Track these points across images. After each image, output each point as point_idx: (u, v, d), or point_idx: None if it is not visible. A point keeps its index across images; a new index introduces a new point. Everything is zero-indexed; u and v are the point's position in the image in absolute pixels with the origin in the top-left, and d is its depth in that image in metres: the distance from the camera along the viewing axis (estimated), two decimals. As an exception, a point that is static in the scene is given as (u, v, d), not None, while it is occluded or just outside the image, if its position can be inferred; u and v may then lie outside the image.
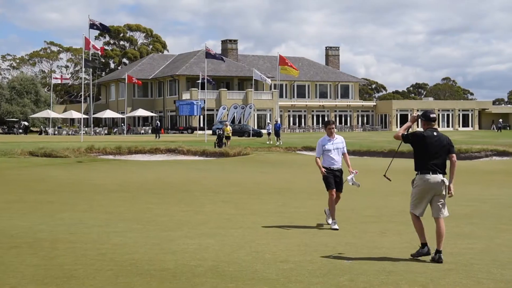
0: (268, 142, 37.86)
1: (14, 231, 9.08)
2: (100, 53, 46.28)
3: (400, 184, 17.32)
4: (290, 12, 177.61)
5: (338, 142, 9.87)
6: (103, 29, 46.14)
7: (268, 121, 46.22)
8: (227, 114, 60.98)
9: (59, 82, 66.66)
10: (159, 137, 47.57)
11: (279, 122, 40.86)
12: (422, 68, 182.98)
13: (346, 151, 10.03)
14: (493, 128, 72.93)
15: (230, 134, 34.85)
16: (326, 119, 74.16)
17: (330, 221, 9.71)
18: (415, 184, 7.49)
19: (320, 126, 73.03)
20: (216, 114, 62.86)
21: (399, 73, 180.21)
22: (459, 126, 78.26)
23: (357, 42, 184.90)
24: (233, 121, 60.44)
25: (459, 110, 79.24)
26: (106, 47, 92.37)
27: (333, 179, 9.75)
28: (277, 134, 38.84)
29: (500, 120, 72.21)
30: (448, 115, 78.78)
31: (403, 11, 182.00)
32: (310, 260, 7.20)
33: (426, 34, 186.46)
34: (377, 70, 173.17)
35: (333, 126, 9.92)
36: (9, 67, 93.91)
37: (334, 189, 9.77)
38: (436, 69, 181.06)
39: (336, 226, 9.52)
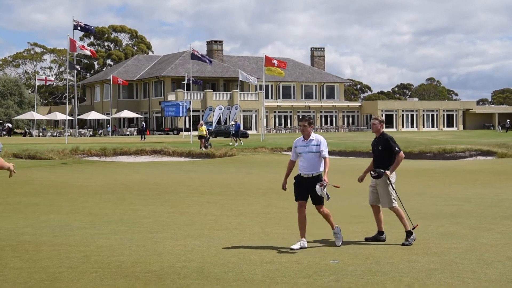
0: (230, 144, 37.40)
1: (-3, 234, 8.98)
2: (90, 55, 45.89)
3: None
4: (277, 13, 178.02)
5: (312, 145, 8.13)
6: (88, 30, 45.84)
7: (232, 122, 45.78)
8: (213, 115, 60.89)
9: (43, 83, 66.10)
10: (144, 138, 47.38)
11: (238, 122, 40.66)
12: (408, 69, 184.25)
13: (326, 155, 8.15)
14: (499, 129, 72.93)
15: (205, 134, 34.49)
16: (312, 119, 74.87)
17: (338, 242, 8.24)
18: (394, 180, 8.49)
19: (306, 127, 73.10)
20: (202, 115, 62.74)
21: (384, 73, 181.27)
22: (443, 126, 78.82)
23: (343, 43, 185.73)
24: (218, 122, 60.35)
25: (443, 111, 79.82)
26: (89, 49, 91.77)
27: (302, 189, 8.11)
28: (236, 134, 38.63)
29: (508, 120, 71.67)
30: (432, 115, 79.31)
31: (389, 12, 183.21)
32: (296, 261, 7.20)
33: (412, 34, 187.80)
34: (363, 71, 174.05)
35: (306, 123, 8.22)
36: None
37: (302, 201, 8.14)
38: (421, 70, 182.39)
39: (296, 246, 7.85)
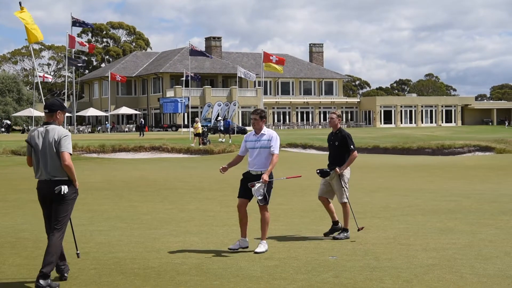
0: (220, 140, 37.31)
1: (-4, 231, 8.98)
2: (88, 51, 45.87)
3: (384, 180, 17.44)
4: (276, 9, 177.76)
5: (263, 140, 7.50)
6: (86, 26, 45.88)
7: (220, 118, 45.42)
8: (211, 112, 60.86)
9: (42, 80, 65.97)
10: (143, 135, 47.34)
11: (228, 119, 40.54)
12: (407, 65, 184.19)
13: (275, 152, 7.50)
14: (507, 124, 72.36)
15: (200, 131, 34.48)
16: (310, 115, 74.95)
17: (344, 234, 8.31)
18: (348, 177, 8.52)
19: (305, 123, 73.16)
20: (201, 112, 62.73)
21: (383, 69, 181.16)
22: (442, 122, 78.84)
23: (342, 39, 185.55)
24: (217, 118, 60.33)
25: (442, 106, 79.81)
26: (87, 45, 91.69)
27: (247, 187, 7.50)
28: (226, 131, 38.52)
29: None
30: (431, 111, 79.30)
31: (388, 7, 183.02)
32: (294, 257, 7.20)
33: (411, 30, 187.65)
34: (361, 67, 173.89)
35: (257, 117, 7.54)
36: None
37: (243, 199, 7.62)
38: (420, 65, 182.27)
39: (234, 246, 7.48)
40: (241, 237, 7.61)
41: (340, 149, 8.51)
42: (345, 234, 8.39)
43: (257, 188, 7.39)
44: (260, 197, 7.42)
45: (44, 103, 6.75)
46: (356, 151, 8.59)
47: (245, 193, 7.58)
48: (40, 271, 5.77)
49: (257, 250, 7.40)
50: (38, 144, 5.96)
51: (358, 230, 8.54)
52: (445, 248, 7.68)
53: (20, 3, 16.94)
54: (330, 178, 8.50)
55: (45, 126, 6.02)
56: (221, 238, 8.33)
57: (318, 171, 8.51)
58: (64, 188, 5.95)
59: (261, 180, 7.39)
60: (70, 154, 5.98)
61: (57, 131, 5.96)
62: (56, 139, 5.91)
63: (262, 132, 7.59)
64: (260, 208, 7.58)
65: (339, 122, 8.62)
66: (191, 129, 35.33)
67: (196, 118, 39.72)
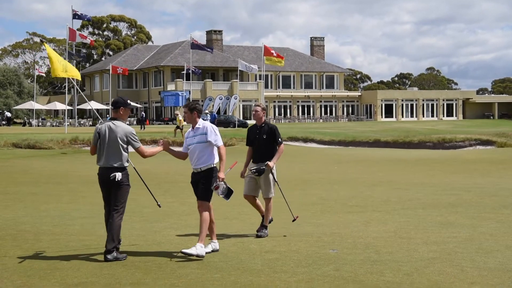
0: None
1: (-3, 223, 9.00)
2: (89, 44, 45.81)
3: (385, 173, 17.43)
4: (278, 2, 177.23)
5: (199, 134, 7.13)
6: (85, 18, 45.86)
7: (206, 111, 45.21)
8: (213, 105, 60.81)
9: (41, 74, 66.03)
10: (144, 128, 47.33)
11: (214, 113, 40.50)
12: (408, 58, 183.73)
13: (219, 144, 7.09)
14: None
15: (181, 125, 34.72)
16: (311, 109, 74.90)
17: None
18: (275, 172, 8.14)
19: (306, 117, 73.10)
20: (202, 105, 62.68)
21: (385, 63, 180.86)
22: (443, 116, 78.75)
23: (344, 32, 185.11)
24: (218, 112, 60.28)
25: (443, 100, 79.70)
26: (89, 38, 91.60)
27: (194, 187, 7.24)
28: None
29: None
30: (432, 105, 79.19)
31: (390, 1, 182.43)
32: (295, 250, 7.21)
33: (413, 24, 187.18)
34: (363, 60, 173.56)
35: (187, 109, 7.16)
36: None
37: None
38: (421, 59, 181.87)
39: (207, 249, 6.95)
40: (211, 240, 7.17)
41: (268, 143, 8.13)
42: (266, 232, 8.05)
43: (220, 188, 7.10)
44: (223, 195, 7.16)
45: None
46: (283, 144, 8.25)
47: (199, 193, 7.13)
48: (105, 247, 6.65)
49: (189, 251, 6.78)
50: (105, 136, 6.80)
51: (293, 220, 8.35)
52: (446, 241, 7.68)
53: (41, 41, 17.28)
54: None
55: (111, 121, 6.89)
56: (222, 231, 8.33)
57: (253, 170, 8.06)
58: (118, 175, 6.79)
59: (217, 180, 7.05)
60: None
61: (122, 127, 6.83)
62: (121, 136, 6.78)
63: (197, 126, 7.13)
64: (200, 203, 7.06)
65: (263, 115, 8.24)
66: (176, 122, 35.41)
67: (176, 111, 39.54)
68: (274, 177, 8.19)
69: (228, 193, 7.21)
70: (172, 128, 48.05)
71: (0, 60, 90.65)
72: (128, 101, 7.03)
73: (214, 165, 7.14)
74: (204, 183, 7.03)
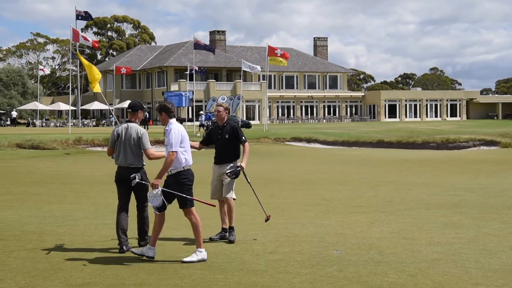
0: (198, 135, 37.26)
1: (1, 223, 9.01)
2: (91, 46, 45.85)
3: (388, 174, 17.41)
4: (281, 2, 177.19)
5: (130, 134, 7.26)
6: (88, 18, 45.96)
7: (201, 112, 45.24)
8: (205, 106, 60.81)
9: (43, 73, 66.15)
10: (147, 128, 47.37)
11: (209, 113, 40.61)
12: (412, 58, 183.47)
13: (168, 148, 6.80)
14: None
15: None
16: (315, 110, 74.82)
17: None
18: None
19: (309, 117, 73.05)
20: (205, 106, 62.72)
21: (388, 63, 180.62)
22: (447, 116, 78.60)
23: (348, 33, 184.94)
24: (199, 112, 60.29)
25: (447, 100, 79.54)
26: (93, 39, 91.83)
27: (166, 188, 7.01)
28: (203, 125, 38.64)
29: None
30: (436, 105, 79.05)
31: (394, 1, 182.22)
32: (298, 251, 7.19)
33: (416, 24, 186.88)
34: (366, 61, 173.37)
35: (157, 111, 7.11)
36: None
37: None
38: (425, 59, 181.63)
39: (189, 259, 6.72)
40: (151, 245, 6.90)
41: (231, 142, 7.95)
42: (223, 235, 7.85)
43: (150, 196, 6.76)
44: (153, 205, 6.77)
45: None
46: (247, 142, 8.04)
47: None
48: (139, 243, 7.30)
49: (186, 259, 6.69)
50: (122, 138, 7.23)
51: (266, 219, 8.16)
52: (450, 242, 7.66)
53: (75, 50, 17.36)
54: (221, 174, 7.93)
55: (127, 123, 7.33)
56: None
57: (229, 173, 7.81)
58: (138, 176, 7.17)
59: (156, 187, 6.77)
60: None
61: (135, 129, 7.26)
62: (135, 137, 7.21)
63: (166, 128, 7.03)
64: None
65: (226, 115, 8.05)
66: (196, 123, 35.43)
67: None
68: (246, 178, 7.99)
69: (161, 207, 6.76)
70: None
71: (4, 61, 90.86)
72: (142, 103, 7.42)
73: (184, 168, 6.88)
74: (176, 190, 6.79)
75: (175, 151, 6.73)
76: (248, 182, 8.08)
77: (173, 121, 6.97)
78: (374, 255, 6.93)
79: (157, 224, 6.88)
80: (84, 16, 42.99)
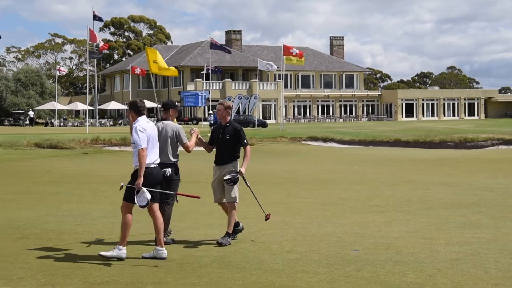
0: (209, 135, 37.48)
1: (21, 222, 9.11)
2: (104, 48, 46.17)
3: (406, 173, 17.30)
4: (298, 2, 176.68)
5: (167, 131, 7.67)
6: (100, 20, 46.60)
7: (210, 111, 45.32)
8: (232, 105, 60.97)
9: (60, 73, 66.74)
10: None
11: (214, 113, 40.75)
12: (429, 57, 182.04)
13: (137, 146, 6.88)
14: None
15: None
16: (331, 109, 74.56)
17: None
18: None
19: (325, 116, 72.86)
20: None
21: (405, 62, 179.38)
22: (465, 115, 77.94)
23: (364, 32, 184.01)
24: (238, 112, 60.38)
25: (464, 99, 78.87)
26: (110, 39, 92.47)
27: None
28: (211, 125, 38.92)
29: None
30: (453, 104, 78.43)
31: (411, 0, 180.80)
32: (316, 250, 7.18)
33: (434, 22, 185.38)
34: (383, 60, 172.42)
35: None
36: (14, 59, 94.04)
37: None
38: (442, 58, 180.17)
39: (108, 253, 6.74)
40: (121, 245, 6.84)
41: (231, 143, 7.71)
42: (229, 239, 7.56)
43: (140, 196, 6.76)
44: (140, 204, 6.77)
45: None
46: (249, 146, 7.83)
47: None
48: (165, 237, 7.33)
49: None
50: (157, 135, 7.35)
51: (266, 219, 7.99)
52: (469, 242, 7.59)
53: (144, 45, 17.55)
54: (221, 177, 7.72)
55: (163, 121, 7.67)
56: (242, 231, 8.32)
57: (228, 180, 7.63)
58: (168, 170, 7.40)
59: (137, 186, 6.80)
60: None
61: (171, 126, 7.59)
62: (171, 134, 7.52)
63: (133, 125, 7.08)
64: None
65: (227, 114, 7.81)
66: (205, 122, 35.76)
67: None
68: (246, 182, 7.75)
69: (145, 204, 6.78)
70: (188, 128, 48.24)
71: (23, 61, 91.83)
72: (178, 103, 7.49)
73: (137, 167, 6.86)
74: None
75: (144, 147, 6.78)
76: (248, 186, 7.85)
77: (141, 118, 7.01)
78: (392, 255, 6.90)
79: (124, 225, 6.86)
80: (98, 18, 43.49)
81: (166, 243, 7.13)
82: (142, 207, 6.79)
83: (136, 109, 7.04)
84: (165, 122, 7.65)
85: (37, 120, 66.98)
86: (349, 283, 5.79)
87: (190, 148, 7.62)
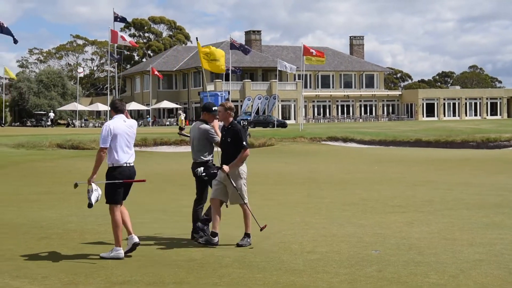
0: None
1: (44, 222, 9.22)
2: (130, 45, 46.54)
3: (427, 173, 17.16)
4: (318, 1, 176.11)
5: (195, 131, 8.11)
6: (123, 21, 46.90)
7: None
8: (252, 105, 60.97)
9: (81, 75, 67.46)
10: (184, 128, 47.75)
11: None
12: (450, 56, 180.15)
13: (215, 140, 7.82)
14: None
15: (183, 125, 35.95)
16: (351, 109, 74.23)
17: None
18: (244, 174, 7.71)
19: (345, 116, 72.56)
20: (241, 106, 62.91)
21: (426, 61, 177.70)
22: (487, 115, 77.04)
23: (385, 31, 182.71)
24: (257, 112, 60.39)
25: (486, 99, 77.95)
26: (128, 40, 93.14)
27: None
28: None
29: None
30: (475, 104, 77.58)
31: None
32: (337, 250, 7.15)
33: (455, 21, 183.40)
34: (403, 59, 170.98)
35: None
36: (36, 61, 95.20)
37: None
38: (464, 57, 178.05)
39: (105, 255, 6.95)
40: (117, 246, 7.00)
41: (233, 146, 7.52)
42: (249, 240, 7.46)
43: (91, 194, 6.96)
44: (91, 201, 6.95)
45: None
46: (248, 149, 7.58)
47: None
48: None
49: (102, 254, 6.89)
50: (192, 136, 7.96)
51: (261, 229, 7.66)
52: (492, 243, 7.51)
53: (196, 38, 17.54)
54: (224, 179, 7.55)
55: (196, 122, 8.05)
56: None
57: (204, 173, 7.67)
58: (200, 170, 7.78)
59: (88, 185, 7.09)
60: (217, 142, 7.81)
61: (202, 127, 7.86)
62: (198, 134, 7.86)
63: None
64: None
65: (229, 115, 7.60)
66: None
67: (179, 111, 40.18)
68: (231, 181, 7.49)
69: (89, 204, 7.01)
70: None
71: (45, 63, 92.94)
72: (214, 108, 7.89)
73: (113, 165, 7.05)
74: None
75: (103, 147, 6.93)
76: (234, 187, 7.50)
77: (115, 116, 7.11)
78: (414, 256, 6.84)
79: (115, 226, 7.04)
80: (121, 19, 43.78)
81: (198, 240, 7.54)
82: (90, 204, 6.94)
83: (114, 108, 7.24)
84: (197, 123, 8.01)
85: (59, 121, 67.73)
86: (370, 283, 5.76)
87: (215, 142, 7.87)
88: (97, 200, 6.99)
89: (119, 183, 7.03)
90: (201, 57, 16.30)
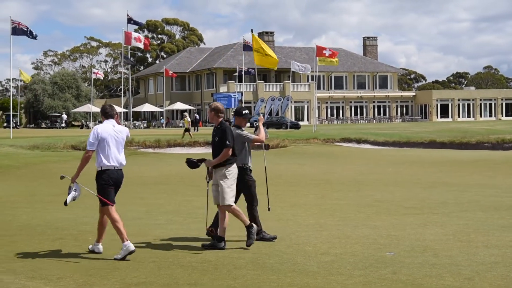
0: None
1: (59, 223, 9.29)
2: (143, 48, 46.82)
3: (441, 175, 17.04)
4: (331, 2, 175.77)
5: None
6: (139, 24, 47.21)
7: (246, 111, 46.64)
8: (265, 107, 61.00)
9: (99, 77, 67.88)
10: (197, 130, 47.88)
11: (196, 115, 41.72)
12: (465, 57, 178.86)
13: (250, 139, 8.04)
14: None
15: (189, 126, 36.29)
16: (364, 110, 73.98)
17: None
18: (232, 175, 7.65)
19: (359, 117, 72.31)
20: (254, 107, 62.95)
21: (440, 62, 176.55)
22: (502, 116, 76.40)
23: (398, 32, 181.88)
24: (270, 113, 60.41)
25: (502, 99, 77.32)
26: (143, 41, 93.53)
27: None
28: (193, 124, 39.53)
29: None
30: (490, 105, 76.97)
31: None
32: (351, 252, 7.13)
33: (470, 21, 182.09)
34: (417, 60, 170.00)
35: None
36: (51, 63, 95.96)
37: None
38: (479, 58, 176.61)
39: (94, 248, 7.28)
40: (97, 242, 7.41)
41: (220, 146, 7.57)
42: (252, 235, 7.48)
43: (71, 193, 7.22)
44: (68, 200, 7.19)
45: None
46: (230, 149, 7.51)
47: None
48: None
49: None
50: (236, 142, 7.85)
51: (208, 232, 7.71)
52: (509, 245, 7.44)
53: (251, 30, 17.47)
54: (215, 180, 7.64)
55: (233, 128, 8.03)
56: (277, 233, 8.31)
57: (187, 163, 7.86)
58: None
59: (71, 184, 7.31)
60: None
61: (234, 131, 7.86)
62: (237, 138, 7.82)
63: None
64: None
65: (215, 116, 7.65)
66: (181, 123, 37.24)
67: (185, 113, 40.47)
68: (207, 178, 7.73)
69: (64, 201, 7.24)
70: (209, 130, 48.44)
71: (59, 65, 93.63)
72: (245, 111, 8.06)
73: (102, 169, 7.18)
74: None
75: (89, 150, 7.13)
76: (207, 182, 7.83)
77: (105, 121, 7.31)
78: (429, 258, 6.80)
79: (100, 224, 7.38)
80: (134, 22, 44.16)
81: (268, 239, 7.81)
82: (65, 203, 7.16)
83: (104, 113, 7.40)
84: (234, 127, 8.04)
85: (73, 122, 68.20)
86: (385, 285, 5.73)
87: (261, 139, 8.03)
88: (73, 200, 7.26)
89: (108, 182, 7.17)
90: (254, 51, 16.18)
